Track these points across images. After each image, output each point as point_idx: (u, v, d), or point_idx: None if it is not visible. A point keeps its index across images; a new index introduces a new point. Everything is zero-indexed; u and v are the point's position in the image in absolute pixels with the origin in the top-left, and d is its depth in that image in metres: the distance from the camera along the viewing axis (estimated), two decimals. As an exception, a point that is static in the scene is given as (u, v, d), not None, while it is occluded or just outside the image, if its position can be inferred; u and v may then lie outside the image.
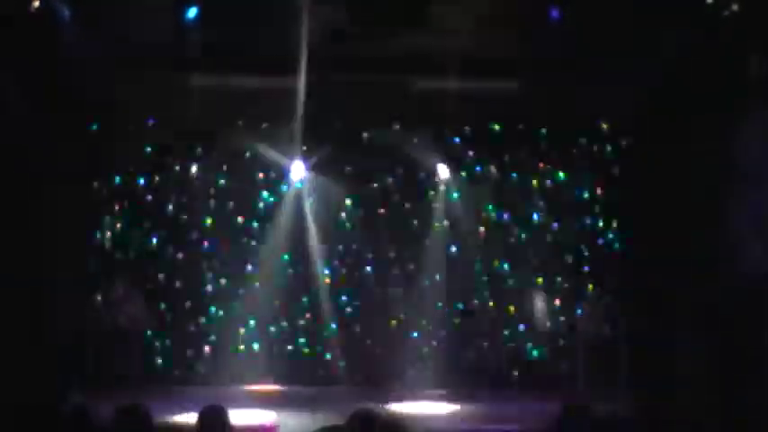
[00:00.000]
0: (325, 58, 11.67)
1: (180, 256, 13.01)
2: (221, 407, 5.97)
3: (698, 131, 10.39)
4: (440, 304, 13.15)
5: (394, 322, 13.10)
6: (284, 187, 13.14)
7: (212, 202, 13.07)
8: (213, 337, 12.93)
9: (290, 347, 13.01)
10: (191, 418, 6.13)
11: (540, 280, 13.06)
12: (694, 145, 10.46)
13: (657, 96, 11.04)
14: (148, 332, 12.70)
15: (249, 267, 13.05)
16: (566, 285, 13.01)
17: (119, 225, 12.88)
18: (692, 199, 10.54)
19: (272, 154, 12.96)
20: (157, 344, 12.79)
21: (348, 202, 13.20)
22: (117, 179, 12.84)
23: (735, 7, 9.81)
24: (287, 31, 11.39)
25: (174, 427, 6.82)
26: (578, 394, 11.82)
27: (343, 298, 13.15)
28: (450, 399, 12.00)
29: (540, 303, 12.84)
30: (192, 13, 11.35)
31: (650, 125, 11.42)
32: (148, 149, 12.93)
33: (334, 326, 13.01)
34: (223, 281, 13.02)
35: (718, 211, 10.08)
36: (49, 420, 6.34)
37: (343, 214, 13.21)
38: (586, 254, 12.99)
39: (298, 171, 13.00)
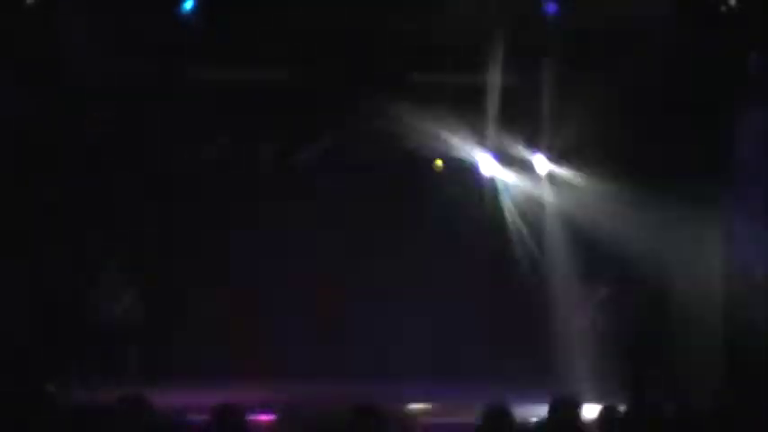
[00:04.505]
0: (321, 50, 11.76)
1: (176, 250, 13.05)
2: (239, 405, 5.95)
3: (695, 128, 10.45)
4: (437, 299, 13.22)
5: (395, 315, 13.15)
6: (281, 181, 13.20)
7: (210, 195, 13.10)
8: (209, 332, 12.97)
9: (288, 341, 13.05)
10: (195, 414, 6.11)
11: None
12: (692, 141, 10.52)
13: (655, 92, 11.09)
14: (145, 326, 12.75)
15: (247, 260, 13.11)
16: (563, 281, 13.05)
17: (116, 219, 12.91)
18: (691, 196, 10.60)
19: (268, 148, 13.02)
20: (153, 337, 12.83)
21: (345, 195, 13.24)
22: (114, 174, 12.85)
23: (732, 2, 9.83)
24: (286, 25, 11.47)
25: (179, 423, 6.79)
26: (574, 389, 11.83)
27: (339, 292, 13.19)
28: (446, 392, 12.03)
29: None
30: (188, 5, 11.38)
31: (648, 121, 11.47)
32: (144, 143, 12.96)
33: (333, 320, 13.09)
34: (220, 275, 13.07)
35: (718, 207, 10.15)
36: (48, 416, 6.33)
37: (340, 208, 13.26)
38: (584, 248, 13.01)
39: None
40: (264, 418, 9.48)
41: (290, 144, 13.14)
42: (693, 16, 10.03)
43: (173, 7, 11.20)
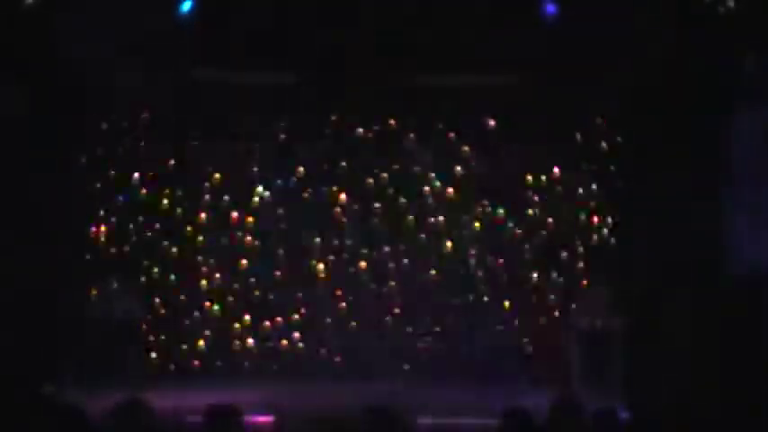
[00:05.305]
0: (320, 51, 11.75)
1: (175, 250, 13.05)
2: (235, 405, 5.94)
3: (694, 128, 10.44)
4: (435, 299, 13.22)
5: (389, 317, 13.16)
6: (279, 182, 13.19)
7: (207, 196, 13.08)
8: (208, 332, 12.98)
9: (284, 342, 13.06)
10: (195, 414, 6.11)
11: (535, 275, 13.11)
12: (691, 141, 10.51)
13: (654, 93, 11.07)
14: (143, 326, 12.75)
15: (244, 262, 13.11)
16: (560, 281, 13.04)
17: (114, 219, 12.89)
18: (689, 195, 10.59)
19: (267, 148, 13.02)
20: (152, 338, 12.83)
21: (344, 197, 13.23)
22: (113, 173, 12.82)
23: (730, 3, 9.82)
24: (284, 25, 11.46)
25: (178, 424, 6.80)
26: (572, 390, 11.83)
27: (338, 293, 13.19)
28: (443, 393, 12.04)
29: None
30: (187, 6, 11.36)
31: (647, 121, 11.46)
32: (143, 143, 12.95)
33: (328, 321, 13.09)
34: (218, 275, 13.06)
35: (716, 207, 10.14)
36: (45, 417, 6.32)
37: (338, 209, 13.24)
38: (581, 250, 13.00)
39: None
40: (263, 419, 9.50)
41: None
42: (693, 17, 10.03)
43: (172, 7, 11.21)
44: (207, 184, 13.08)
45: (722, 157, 10.13)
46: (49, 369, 11.05)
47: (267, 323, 13.06)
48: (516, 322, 13.12)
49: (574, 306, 12.84)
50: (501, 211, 13.23)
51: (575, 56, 11.18)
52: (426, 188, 13.26)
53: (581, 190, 13.03)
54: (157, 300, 12.95)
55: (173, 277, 13.04)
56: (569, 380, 12.33)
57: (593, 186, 12.97)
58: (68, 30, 10.61)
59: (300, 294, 13.17)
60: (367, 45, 11.81)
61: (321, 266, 13.17)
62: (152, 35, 11.13)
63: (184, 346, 12.93)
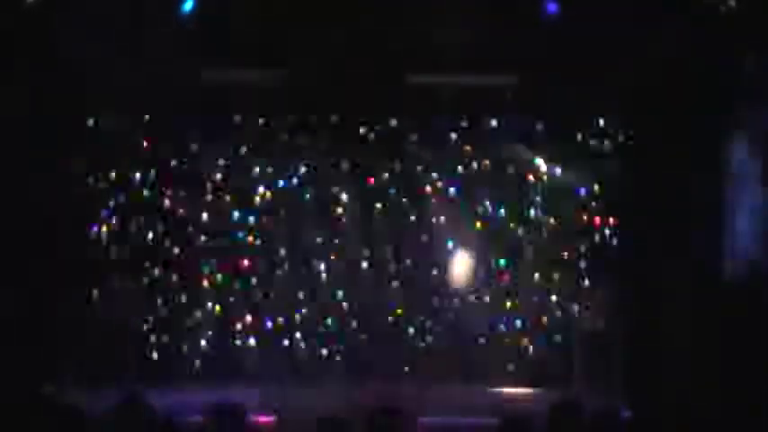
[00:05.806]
0: (321, 50, 11.76)
1: (176, 251, 13.05)
2: (236, 405, 5.95)
3: (694, 128, 10.46)
4: (436, 300, 13.22)
5: (390, 318, 13.16)
6: (282, 182, 13.19)
7: (209, 196, 13.08)
8: (210, 333, 12.98)
9: (285, 343, 13.06)
10: (195, 414, 6.13)
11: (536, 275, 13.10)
12: (692, 142, 10.53)
13: (655, 93, 11.09)
14: (144, 327, 12.74)
15: (246, 262, 13.11)
16: (562, 281, 13.03)
17: (115, 220, 12.89)
18: (691, 196, 10.60)
19: (269, 148, 13.02)
20: (153, 339, 12.83)
21: (344, 197, 13.23)
22: (113, 174, 12.82)
23: (731, 3, 9.83)
24: (284, 24, 11.46)
25: (178, 424, 6.80)
26: (573, 390, 11.83)
27: (340, 293, 13.19)
28: (444, 393, 12.03)
29: None
30: (188, 5, 11.37)
31: (647, 121, 11.47)
32: (145, 143, 12.95)
33: (330, 321, 13.09)
34: (219, 276, 13.06)
35: (716, 207, 10.16)
36: (45, 417, 6.33)
37: (340, 210, 13.24)
38: (584, 250, 12.99)
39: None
40: (263, 419, 9.53)
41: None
42: (693, 17, 10.05)
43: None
44: (208, 185, 13.08)
45: (722, 157, 10.14)
46: (49, 369, 11.06)
47: (269, 323, 13.06)
48: (517, 322, 13.12)
49: (574, 306, 12.84)
50: (502, 211, 13.23)
51: (575, 56, 11.17)
52: (428, 188, 13.27)
53: (581, 190, 13.02)
54: (158, 300, 12.94)
55: (173, 277, 13.04)
56: (569, 380, 12.34)
57: (594, 186, 12.96)
58: (68, 30, 10.61)
59: (302, 295, 13.17)
60: (367, 45, 11.80)
61: (322, 267, 13.17)
62: (152, 35, 11.13)
63: (185, 346, 12.93)
